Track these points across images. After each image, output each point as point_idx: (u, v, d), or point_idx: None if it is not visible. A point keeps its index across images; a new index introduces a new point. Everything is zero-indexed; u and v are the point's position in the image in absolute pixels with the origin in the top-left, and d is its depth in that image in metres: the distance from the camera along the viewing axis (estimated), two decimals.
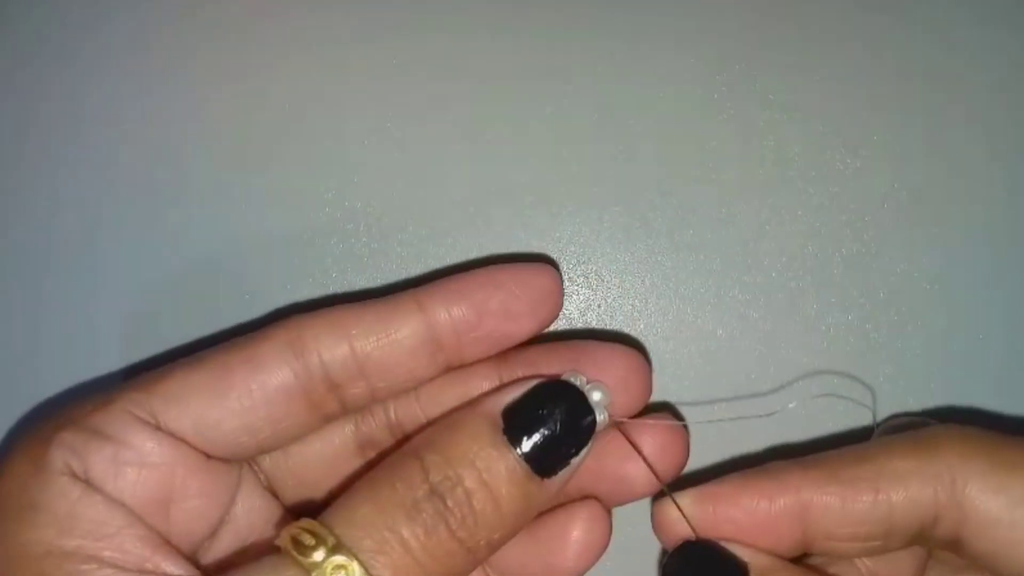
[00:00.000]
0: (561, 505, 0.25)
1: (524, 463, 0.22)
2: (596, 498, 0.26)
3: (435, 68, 0.30)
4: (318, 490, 0.26)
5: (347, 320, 0.24)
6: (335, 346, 0.24)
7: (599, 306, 0.30)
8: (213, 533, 0.24)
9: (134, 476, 0.22)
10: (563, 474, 0.23)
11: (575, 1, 0.30)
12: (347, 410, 0.25)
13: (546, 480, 0.23)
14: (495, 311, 0.25)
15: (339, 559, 0.20)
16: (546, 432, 0.23)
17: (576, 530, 0.25)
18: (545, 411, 0.23)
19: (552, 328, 0.29)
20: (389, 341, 0.24)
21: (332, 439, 0.26)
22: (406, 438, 0.26)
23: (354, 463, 0.26)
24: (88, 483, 0.22)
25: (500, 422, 0.23)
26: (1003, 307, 0.29)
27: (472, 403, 0.24)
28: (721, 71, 0.30)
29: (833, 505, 0.23)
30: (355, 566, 0.20)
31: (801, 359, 0.29)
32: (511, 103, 0.30)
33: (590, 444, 0.23)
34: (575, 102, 0.30)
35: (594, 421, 0.23)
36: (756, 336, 0.30)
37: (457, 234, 0.30)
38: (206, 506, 0.24)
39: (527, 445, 0.22)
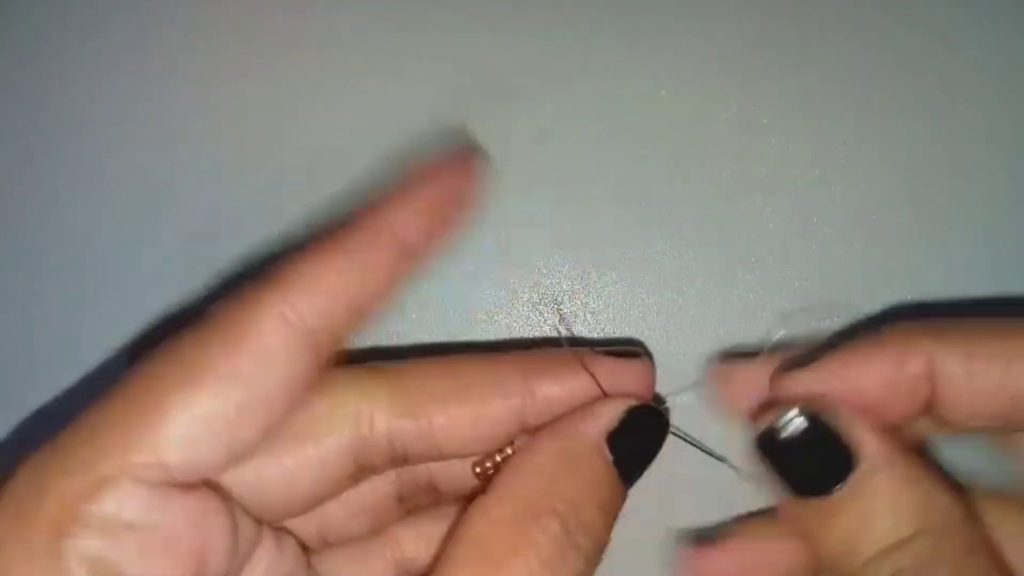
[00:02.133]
0: None
1: (624, 485, 0.23)
2: None
3: (435, 68, 0.30)
4: (296, 505, 0.24)
5: (327, 269, 0.22)
6: (331, 305, 0.22)
7: (598, 308, 0.30)
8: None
9: (172, 561, 0.20)
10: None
11: (575, 1, 0.30)
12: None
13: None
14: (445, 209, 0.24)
15: None
16: (644, 456, 0.24)
17: None
18: (642, 435, 0.24)
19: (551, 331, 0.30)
20: (377, 275, 0.23)
21: (326, 462, 0.24)
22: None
23: (344, 481, 0.24)
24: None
25: (608, 454, 0.23)
26: (1005, 308, 0.30)
27: (573, 432, 0.23)
28: (721, 71, 0.30)
29: (960, 376, 0.22)
30: None
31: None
32: (510, 103, 0.30)
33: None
34: (575, 102, 0.30)
35: (664, 439, 0.25)
36: (757, 336, 0.29)
37: (456, 234, 0.30)
38: (227, 553, 0.21)
39: (627, 470, 0.23)
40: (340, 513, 0.25)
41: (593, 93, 0.30)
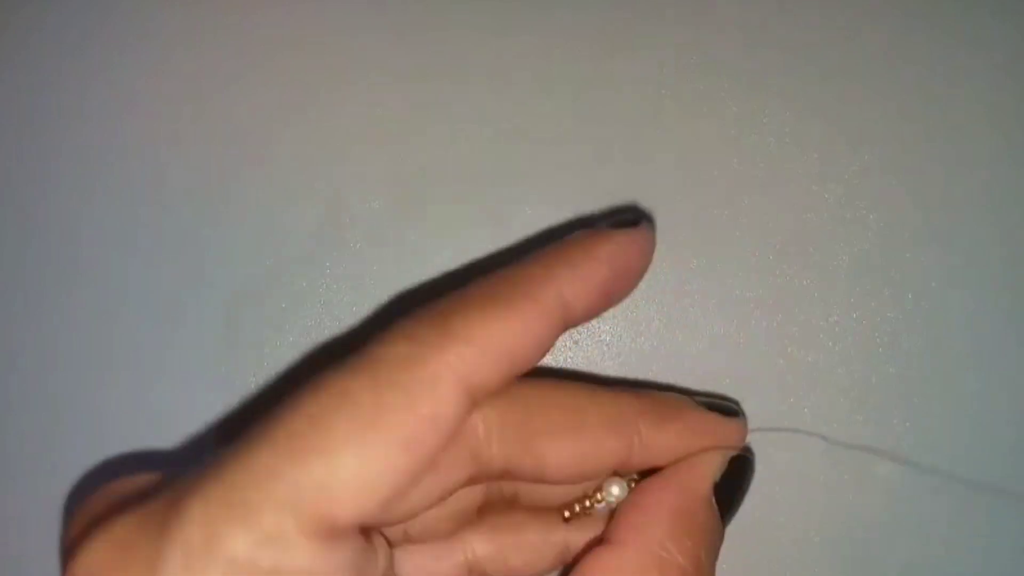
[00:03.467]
0: None
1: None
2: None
3: (434, 68, 0.30)
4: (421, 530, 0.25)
5: (502, 336, 0.21)
6: (500, 371, 0.21)
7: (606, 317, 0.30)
8: None
9: None
10: None
11: (575, 1, 0.30)
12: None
13: None
14: (617, 293, 0.24)
15: None
16: (740, 502, 0.25)
17: None
18: (740, 482, 0.25)
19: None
20: (539, 346, 0.22)
21: (447, 490, 0.24)
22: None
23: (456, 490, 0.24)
24: None
25: (715, 504, 0.24)
26: (1005, 307, 0.30)
27: (686, 487, 0.24)
28: (721, 70, 0.30)
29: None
30: None
31: (806, 358, 0.30)
32: (509, 103, 0.30)
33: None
34: (574, 102, 0.30)
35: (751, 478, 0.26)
36: (757, 335, 0.30)
37: (456, 235, 0.30)
38: None
39: (726, 514, 0.24)
40: (431, 514, 0.24)
41: (592, 93, 0.30)
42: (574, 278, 0.22)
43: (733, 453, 0.24)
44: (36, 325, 0.31)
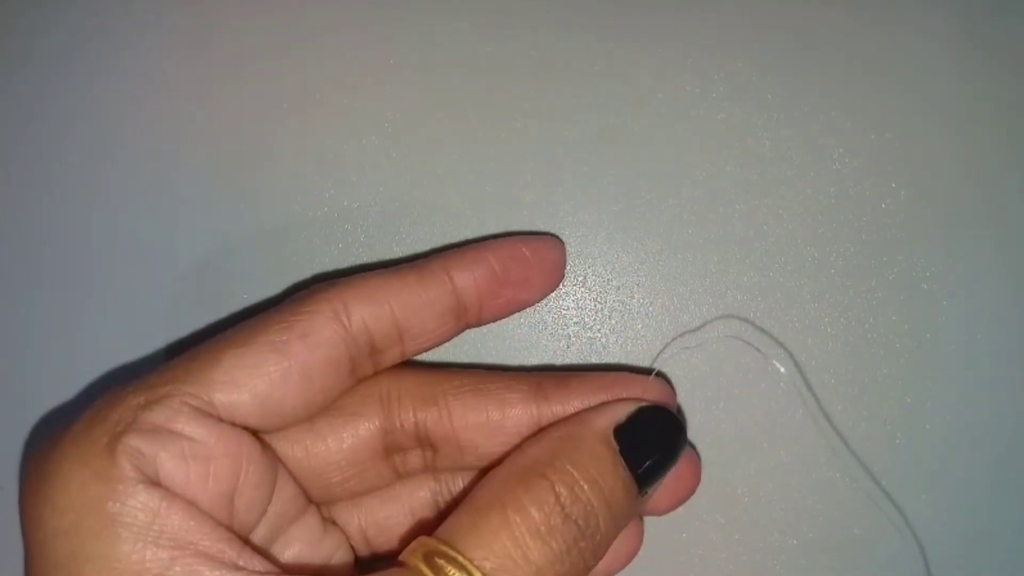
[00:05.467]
0: None
1: (635, 483, 0.24)
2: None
3: (434, 67, 0.30)
4: (340, 489, 0.27)
5: (387, 288, 0.25)
6: (379, 314, 0.25)
7: (596, 307, 0.30)
8: (257, 523, 0.24)
9: (203, 472, 0.22)
10: (652, 491, 0.24)
11: (575, 0, 0.30)
12: (377, 370, 0.26)
13: (643, 497, 0.24)
14: (513, 281, 0.27)
15: None
16: (654, 454, 0.24)
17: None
18: (653, 433, 0.25)
19: (552, 332, 0.30)
20: (426, 307, 0.26)
21: (359, 437, 0.26)
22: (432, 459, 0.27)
23: (378, 465, 0.27)
24: (162, 487, 0.21)
25: (615, 443, 0.24)
26: (1004, 307, 0.30)
27: (581, 420, 0.25)
28: (720, 70, 0.30)
29: None
30: None
31: (800, 359, 0.30)
32: (509, 102, 0.30)
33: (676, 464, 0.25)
34: (573, 101, 0.30)
35: (684, 443, 0.25)
36: (757, 336, 0.30)
37: (455, 235, 0.30)
38: (260, 496, 0.24)
39: (637, 465, 0.24)
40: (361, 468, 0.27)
41: (591, 92, 0.30)
42: (462, 263, 0.26)
43: (644, 404, 0.25)
44: None
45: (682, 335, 0.30)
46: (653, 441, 0.24)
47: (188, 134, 0.30)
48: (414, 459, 0.27)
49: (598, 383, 0.26)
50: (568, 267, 0.30)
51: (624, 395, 0.26)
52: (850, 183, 0.30)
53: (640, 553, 0.28)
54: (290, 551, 0.25)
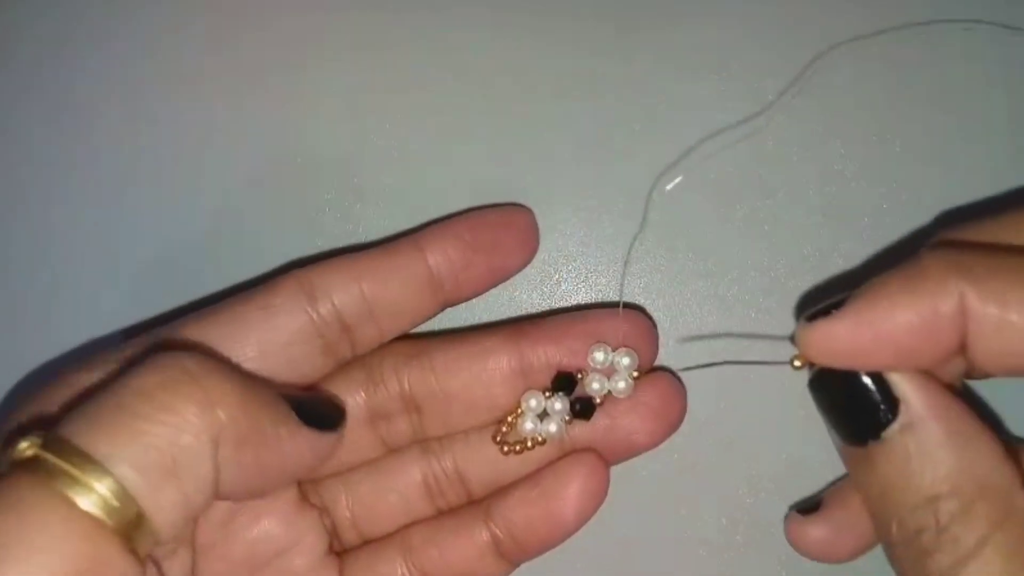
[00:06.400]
0: (562, 457, 0.27)
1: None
2: (595, 451, 0.27)
3: (434, 67, 0.30)
4: None
5: (355, 265, 0.25)
6: (346, 289, 0.25)
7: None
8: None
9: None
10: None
11: (572, 2, 0.30)
12: (357, 352, 0.26)
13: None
14: (485, 247, 0.27)
15: None
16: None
17: (575, 482, 0.26)
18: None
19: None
20: (396, 282, 0.26)
21: (340, 397, 0.26)
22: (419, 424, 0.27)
23: (363, 433, 0.27)
24: None
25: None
26: None
27: None
28: (720, 70, 0.30)
29: (994, 319, 0.20)
30: None
31: None
32: (508, 102, 0.30)
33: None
34: (572, 101, 0.30)
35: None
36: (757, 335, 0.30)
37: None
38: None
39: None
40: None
41: (590, 92, 0.30)
42: (430, 234, 0.26)
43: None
44: None
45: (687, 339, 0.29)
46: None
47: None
48: (401, 426, 0.27)
49: (576, 317, 0.27)
50: (568, 266, 0.30)
51: (601, 326, 0.27)
52: (850, 183, 0.30)
53: (640, 553, 0.29)
54: (257, 527, 0.25)
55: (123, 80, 0.31)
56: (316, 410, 0.23)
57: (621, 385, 0.26)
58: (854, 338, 0.21)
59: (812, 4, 0.30)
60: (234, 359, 0.24)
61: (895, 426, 0.21)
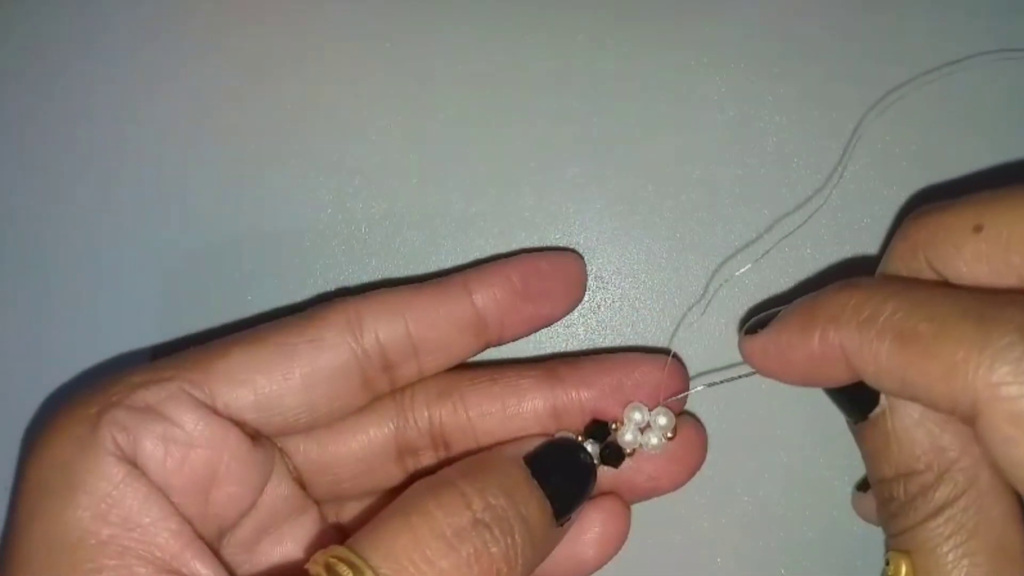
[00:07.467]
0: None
1: (548, 502, 0.23)
2: (616, 494, 0.27)
3: (434, 68, 0.30)
4: (350, 487, 0.27)
5: (403, 302, 0.25)
6: (392, 326, 0.25)
7: (598, 307, 0.30)
8: (240, 519, 0.24)
9: (181, 457, 0.22)
10: (569, 521, 0.24)
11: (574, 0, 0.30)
12: (394, 387, 0.26)
13: (559, 526, 0.24)
14: (534, 295, 0.27)
15: None
16: (572, 490, 0.25)
17: (596, 524, 0.26)
18: (567, 469, 0.25)
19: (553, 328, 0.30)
20: (442, 322, 0.26)
21: (371, 437, 0.27)
22: (446, 460, 0.27)
23: (390, 466, 0.27)
24: (133, 464, 0.22)
25: (523, 464, 0.24)
26: None
27: (492, 449, 0.26)
28: (720, 70, 0.30)
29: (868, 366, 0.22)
30: None
31: None
32: (510, 103, 0.30)
33: (586, 498, 0.25)
34: (573, 102, 0.30)
35: (593, 478, 0.26)
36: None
37: (457, 236, 0.30)
38: (242, 493, 0.24)
39: (556, 498, 0.24)
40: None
41: (590, 92, 0.30)
42: (481, 278, 0.26)
43: (554, 439, 0.26)
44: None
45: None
46: (563, 470, 0.25)
47: (195, 135, 0.31)
48: (428, 461, 0.27)
49: (612, 363, 0.27)
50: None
51: (637, 376, 0.27)
52: (849, 182, 0.29)
53: (640, 553, 0.28)
54: (280, 549, 0.25)
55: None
56: None
57: (654, 441, 0.26)
58: (767, 360, 0.24)
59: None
60: (277, 389, 0.24)
61: (878, 409, 0.23)
